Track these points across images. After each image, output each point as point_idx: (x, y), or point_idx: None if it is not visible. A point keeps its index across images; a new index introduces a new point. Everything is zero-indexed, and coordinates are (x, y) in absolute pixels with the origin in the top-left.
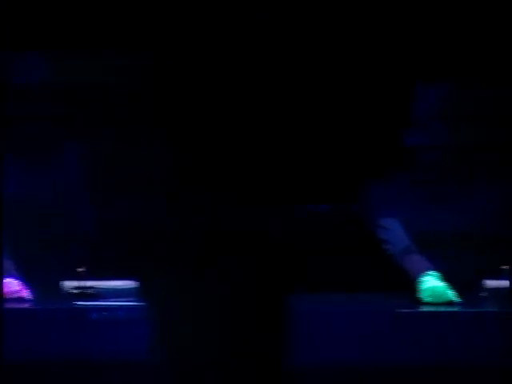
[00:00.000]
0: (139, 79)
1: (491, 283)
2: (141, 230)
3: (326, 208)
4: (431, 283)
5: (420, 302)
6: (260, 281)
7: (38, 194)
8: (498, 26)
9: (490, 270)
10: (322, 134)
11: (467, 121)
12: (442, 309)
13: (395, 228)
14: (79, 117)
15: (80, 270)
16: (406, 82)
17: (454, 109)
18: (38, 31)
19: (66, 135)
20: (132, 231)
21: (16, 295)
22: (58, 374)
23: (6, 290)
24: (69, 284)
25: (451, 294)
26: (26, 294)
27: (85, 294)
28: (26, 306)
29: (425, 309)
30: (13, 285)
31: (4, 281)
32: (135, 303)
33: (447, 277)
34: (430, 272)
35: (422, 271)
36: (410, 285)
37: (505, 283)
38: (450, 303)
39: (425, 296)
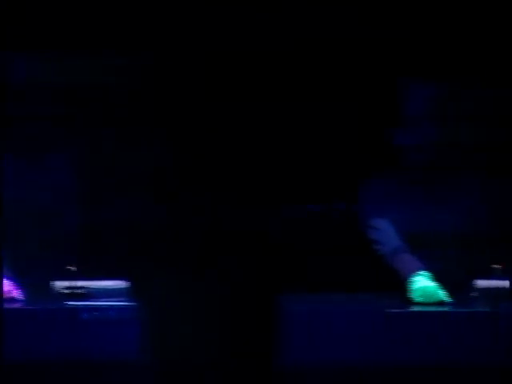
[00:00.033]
0: (139, 79)
1: (482, 283)
2: (141, 230)
3: (316, 208)
4: (422, 283)
5: (411, 302)
6: (260, 280)
7: (31, 194)
8: (496, 26)
9: (481, 270)
10: (319, 134)
11: (453, 120)
12: (433, 309)
13: (386, 228)
14: (79, 117)
15: (70, 268)
16: (399, 81)
17: (443, 109)
18: (38, 31)
19: (66, 135)
20: (132, 231)
21: (7, 295)
22: (47, 373)
23: None
24: (59, 284)
25: (442, 294)
26: (17, 294)
27: (75, 293)
28: (17, 306)
29: (415, 309)
30: (4, 285)
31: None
32: (126, 303)
33: (438, 277)
34: (421, 272)
35: (412, 271)
36: (400, 285)
37: (495, 283)
38: (441, 303)
39: (416, 296)
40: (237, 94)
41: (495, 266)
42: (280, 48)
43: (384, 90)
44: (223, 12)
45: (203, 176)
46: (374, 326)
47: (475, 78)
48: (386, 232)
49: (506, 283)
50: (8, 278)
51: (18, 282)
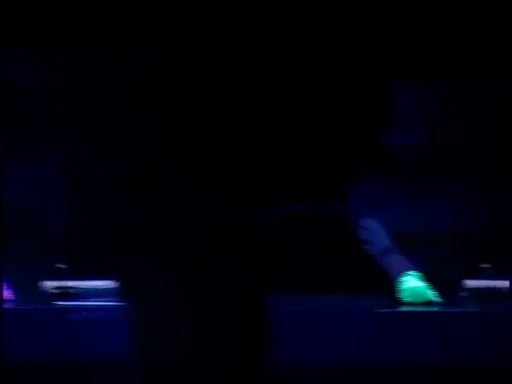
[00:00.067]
0: (139, 79)
1: (471, 283)
2: (141, 230)
3: (304, 208)
4: (411, 283)
5: (400, 302)
6: (259, 280)
7: (21, 194)
8: (496, 26)
9: (470, 270)
10: (319, 134)
11: (453, 120)
12: (422, 309)
13: (376, 228)
14: (79, 117)
15: (60, 265)
16: (393, 82)
17: (443, 109)
18: (38, 31)
19: (66, 135)
20: (132, 231)
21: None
22: (35, 373)
23: None
24: (49, 284)
25: (431, 294)
26: (6, 294)
27: (65, 293)
28: (7, 306)
29: (404, 309)
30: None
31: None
32: (115, 303)
33: (427, 277)
34: (411, 272)
35: (402, 271)
36: (390, 285)
37: (485, 283)
38: (430, 303)
39: (405, 296)
40: (237, 94)
41: (484, 265)
42: (280, 48)
43: (383, 90)
44: (223, 12)
45: (203, 176)
46: (361, 326)
47: (475, 78)
48: (375, 232)
49: (495, 283)
50: None
51: (8, 282)
